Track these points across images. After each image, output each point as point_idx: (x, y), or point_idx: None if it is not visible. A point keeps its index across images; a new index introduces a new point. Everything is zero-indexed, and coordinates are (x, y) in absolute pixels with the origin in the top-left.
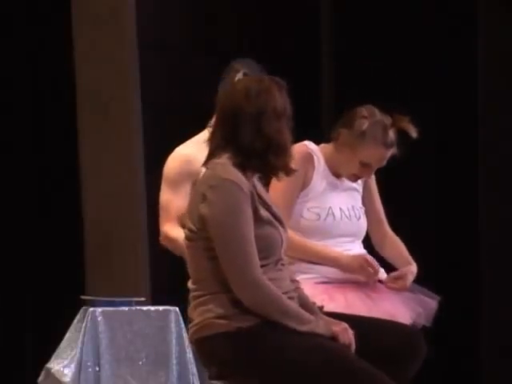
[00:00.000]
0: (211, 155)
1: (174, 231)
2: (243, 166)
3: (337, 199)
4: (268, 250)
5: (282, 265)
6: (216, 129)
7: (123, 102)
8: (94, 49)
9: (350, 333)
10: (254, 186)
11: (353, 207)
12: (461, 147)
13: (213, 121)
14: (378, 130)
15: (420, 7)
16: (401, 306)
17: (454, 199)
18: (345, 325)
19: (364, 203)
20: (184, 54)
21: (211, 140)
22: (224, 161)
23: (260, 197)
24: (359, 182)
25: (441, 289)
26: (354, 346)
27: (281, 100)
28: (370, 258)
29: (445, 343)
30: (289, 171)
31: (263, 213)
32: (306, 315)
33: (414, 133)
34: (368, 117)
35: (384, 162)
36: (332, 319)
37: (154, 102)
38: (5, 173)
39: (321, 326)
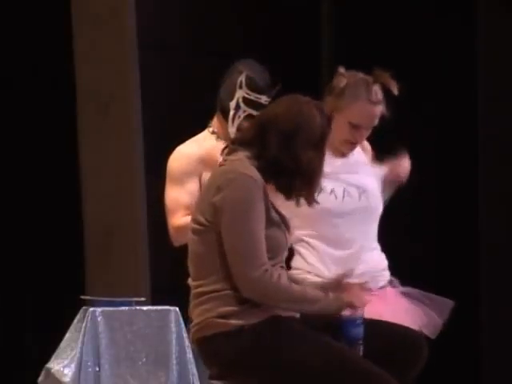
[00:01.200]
0: (229, 149)
1: (181, 220)
2: (262, 170)
3: (336, 180)
4: (273, 251)
5: (282, 267)
6: (246, 133)
7: (123, 101)
8: (94, 49)
9: (362, 293)
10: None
11: (357, 187)
12: (461, 148)
13: (214, 121)
14: (360, 87)
15: (420, 7)
16: (404, 316)
17: (454, 199)
18: (354, 286)
19: None
20: (184, 54)
21: (236, 139)
22: (241, 157)
23: (270, 199)
24: (365, 159)
25: (441, 289)
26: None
27: (320, 128)
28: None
29: (445, 343)
30: (311, 201)
31: (273, 214)
32: (314, 293)
33: (395, 89)
34: (346, 75)
35: (374, 121)
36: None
37: (154, 102)
38: (4, 173)
39: (332, 302)
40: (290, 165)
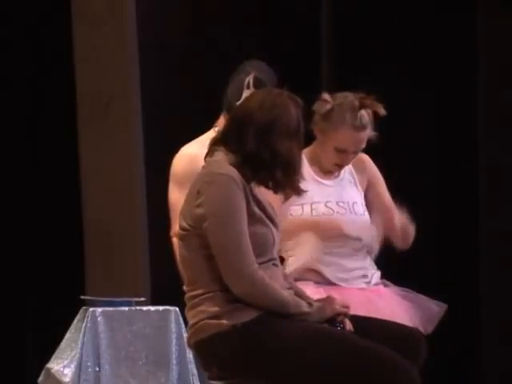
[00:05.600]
0: (208, 154)
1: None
2: (242, 166)
3: (322, 195)
4: (259, 248)
5: (275, 265)
6: (223, 130)
7: (123, 101)
8: (94, 49)
9: (343, 305)
10: (250, 185)
11: (347, 202)
12: (461, 147)
13: (220, 120)
14: (343, 112)
15: (420, 8)
16: (401, 313)
17: (455, 199)
18: (333, 300)
19: (373, 201)
20: (184, 54)
21: (214, 139)
22: (219, 158)
23: (253, 194)
24: (356, 181)
25: (441, 289)
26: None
27: (295, 118)
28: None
29: (445, 344)
30: (298, 191)
31: (255, 209)
32: (299, 302)
33: (381, 110)
34: (330, 100)
35: (361, 146)
36: (324, 304)
37: (154, 102)
38: (4, 173)
39: (314, 313)
40: (268, 157)
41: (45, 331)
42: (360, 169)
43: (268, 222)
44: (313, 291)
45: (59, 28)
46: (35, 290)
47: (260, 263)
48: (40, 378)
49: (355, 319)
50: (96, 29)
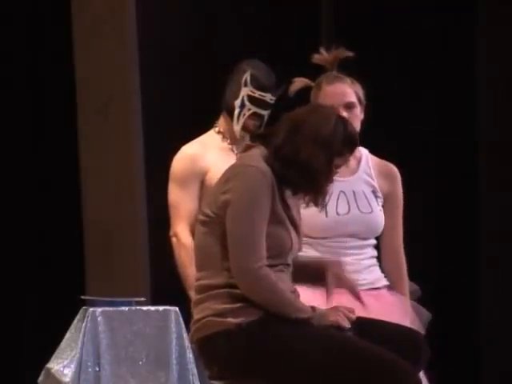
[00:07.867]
0: (246, 146)
1: (185, 234)
2: (271, 164)
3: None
4: (275, 250)
5: (286, 269)
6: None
7: (123, 101)
8: (94, 49)
9: (346, 311)
10: (282, 189)
11: (356, 193)
12: (461, 148)
13: (220, 120)
14: (320, 78)
15: (420, 7)
16: (398, 317)
17: (455, 199)
18: (338, 308)
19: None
20: (184, 54)
21: (260, 132)
22: (254, 153)
23: (282, 195)
24: (375, 184)
25: (441, 288)
26: (353, 317)
27: (331, 130)
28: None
29: (445, 344)
30: (316, 200)
31: (279, 210)
32: (302, 306)
33: (348, 53)
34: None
35: (344, 98)
36: (326, 312)
37: (154, 102)
38: (4, 173)
39: (316, 318)
40: (289, 154)
41: (45, 331)
42: (385, 174)
43: (290, 226)
44: (309, 295)
45: (59, 28)
46: (35, 290)
47: (270, 265)
48: (40, 378)
49: (358, 321)
50: (96, 29)
